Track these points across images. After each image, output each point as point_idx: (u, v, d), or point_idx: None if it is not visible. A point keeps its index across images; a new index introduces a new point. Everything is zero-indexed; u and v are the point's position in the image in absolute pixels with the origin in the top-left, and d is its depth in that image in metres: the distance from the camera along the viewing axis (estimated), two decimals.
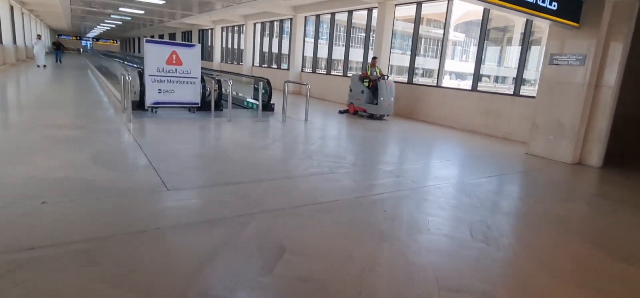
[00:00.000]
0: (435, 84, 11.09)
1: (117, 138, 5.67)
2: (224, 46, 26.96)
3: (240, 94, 11.78)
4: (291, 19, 17.28)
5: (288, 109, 10.77)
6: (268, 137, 6.83)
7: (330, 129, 8.44)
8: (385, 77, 10.55)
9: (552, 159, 6.86)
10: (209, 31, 28.63)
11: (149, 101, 8.15)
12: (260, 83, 8.32)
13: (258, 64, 21.88)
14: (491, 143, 8.25)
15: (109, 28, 42.64)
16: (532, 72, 9.61)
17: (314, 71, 16.68)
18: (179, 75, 8.44)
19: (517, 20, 11.64)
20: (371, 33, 13.40)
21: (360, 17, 14.35)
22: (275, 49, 20.23)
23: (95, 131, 6.10)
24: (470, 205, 4.04)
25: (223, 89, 9.81)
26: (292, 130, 7.73)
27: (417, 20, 11.42)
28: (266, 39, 20.87)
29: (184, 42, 8.90)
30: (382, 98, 10.17)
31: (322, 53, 16.68)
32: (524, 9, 5.41)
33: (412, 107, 11.38)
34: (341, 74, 14.99)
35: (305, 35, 17.12)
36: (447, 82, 11.46)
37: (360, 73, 11.12)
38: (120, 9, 21.22)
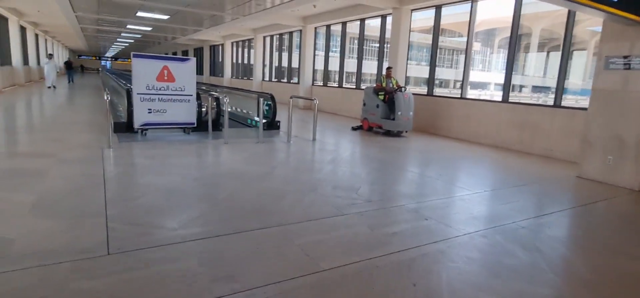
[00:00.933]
0: (458, 96, 9.93)
1: (84, 170, 4.75)
2: (234, 61, 26.38)
3: (244, 111, 10.87)
4: (301, 30, 16.44)
5: (296, 126, 9.77)
6: (267, 163, 5.81)
7: (342, 150, 7.37)
8: (403, 89, 9.46)
9: (612, 184, 5.61)
10: (220, 47, 28.15)
11: (137, 122, 7.28)
12: (261, 99, 7.35)
13: (268, 79, 21.10)
14: (530, 163, 7.03)
15: (124, 47, 42.95)
16: (567, 79, 8.36)
17: (325, 85, 15.72)
18: (172, 92, 7.56)
19: (536, 25, 10.44)
20: (385, 44, 12.37)
21: (373, 29, 13.36)
22: (285, 63, 19.41)
23: (64, 160, 5.20)
24: (532, 265, 2.90)
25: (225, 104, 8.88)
26: (296, 153, 6.70)
27: (437, 25, 10.34)
28: (276, 53, 20.10)
29: (176, 56, 7.99)
30: (399, 112, 9.07)
31: (334, 66, 15.74)
32: (586, 1, 4.29)
33: (432, 122, 10.23)
34: (354, 86, 13.97)
35: (315, 49, 16.22)
36: (472, 92, 10.27)
37: (375, 85, 10.07)
38: (129, 26, 20.86)
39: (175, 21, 17.51)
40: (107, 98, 6.51)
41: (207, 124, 8.12)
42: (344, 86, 14.77)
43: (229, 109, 12.01)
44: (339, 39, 14.85)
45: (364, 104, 10.13)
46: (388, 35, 12.10)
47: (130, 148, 6.31)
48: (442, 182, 5.30)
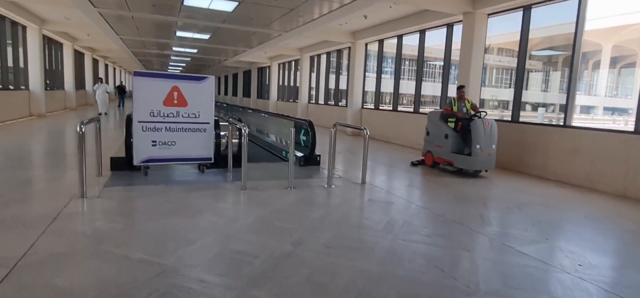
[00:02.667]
0: (559, 123, 7.45)
1: (27, 236, 3.15)
2: (280, 83, 25.27)
3: (280, 141, 9.16)
4: (349, 47, 14.67)
5: (341, 160, 7.84)
6: (290, 230, 3.86)
7: (403, 203, 5.26)
8: (481, 114, 7.20)
9: None
10: (267, 69, 27.30)
11: (138, 157, 5.76)
12: (293, 130, 5.50)
13: (314, 101, 19.51)
14: None
15: (178, 70, 44.18)
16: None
17: (376, 108, 13.69)
18: (183, 120, 5.99)
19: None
20: (450, 63, 10.16)
21: (431, 50, 11.23)
22: (332, 85, 17.70)
23: (16, 218, 3.68)
24: None
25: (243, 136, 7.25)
26: (337, 208, 4.71)
27: (525, 31, 8.00)
28: (323, 73, 18.47)
29: (190, 75, 6.43)
30: (478, 146, 6.81)
31: (386, 87, 13.73)
32: None
33: (519, 157, 7.79)
34: (411, 109, 11.79)
35: (366, 70, 14.32)
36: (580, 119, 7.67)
37: (442, 109, 7.90)
38: (174, 48, 20.46)
39: (216, 41, 16.58)
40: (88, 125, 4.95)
41: (227, 159, 6.46)
42: (398, 109, 12.65)
43: (269, 139, 10.46)
44: (391, 58, 12.84)
45: (428, 133, 7.97)
46: (454, 48, 9.92)
47: (119, 194, 4.72)
48: (591, 276, 3.03)
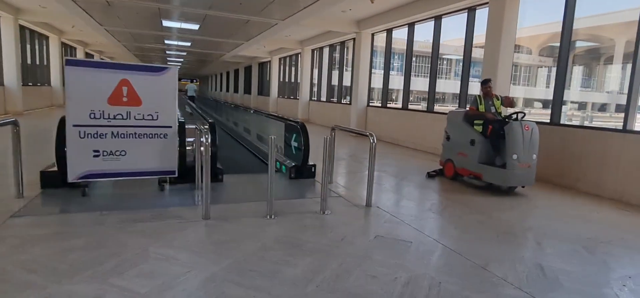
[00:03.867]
0: (616, 127, 5.99)
1: None
2: (281, 79, 23.84)
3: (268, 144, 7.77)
4: (354, 38, 13.21)
5: (341, 170, 6.49)
6: None
7: (422, 238, 3.82)
8: (518, 115, 5.72)
9: None
10: (268, 64, 25.86)
11: (74, 171, 4.39)
12: (272, 137, 4.06)
13: (316, 98, 18.07)
14: None
15: (178, 65, 42.87)
16: None
17: (384, 106, 12.22)
18: (136, 124, 4.63)
19: None
20: (471, 57, 8.68)
21: (445, 46, 9.75)
22: (335, 81, 16.25)
23: None
24: None
25: (205, 147, 5.89)
26: (331, 254, 3.28)
27: (569, 17, 6.50)
28: (325, 68, 17.01)
29: (143, 64, 5.02)
30: (515, 156, 5.36)
31: (395, 83, 12.27)
32: None
33: (562, 168, 6.32)
34: (425, 108, 10.32)
35: (372, 66, 12.86)
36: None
37: (467, 109, 6.45)
38: (166, 41, 19.11)
39: (207, 32, 15.18)
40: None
41: (194, 171, 5.06)
42: (409, 107, 11.18)
43: (256, 141, 9.03)
44: (400, 54, 11.36)
45: (448, 138, 6.53)
46: (477, 35, 8.45)
47: (16, 233, 3.34)
48: None
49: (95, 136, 4.46)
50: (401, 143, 10.61)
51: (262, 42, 17.38)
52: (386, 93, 12.26)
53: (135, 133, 4.65)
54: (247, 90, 31.28)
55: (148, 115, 4.69)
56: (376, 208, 4.56)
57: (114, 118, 4.52)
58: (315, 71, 18.15)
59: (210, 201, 3.92)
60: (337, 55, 15.98)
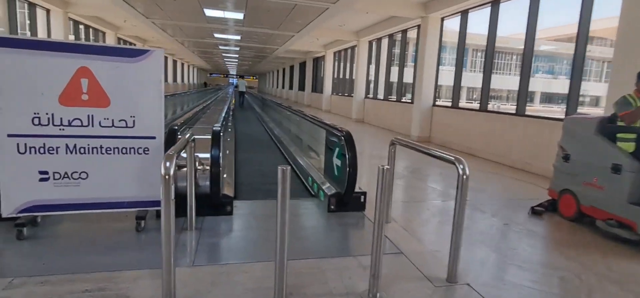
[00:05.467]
0: None
1: None
2: (335, 75, 22.17)
3: (306, 160, 6.12)
4: (419, 25, 11.11)
5: (400, 193, 4.68)
6: None
7: None
8: None
9: None
10: (322, 59, 24.34)
11: (10, 203, 3.05)
12: (284, 169, 2.36)
13: (373, 96, 16.13)
14: None
15: (235, 63, 43.04)
16: None
17: (455, 105, 9.98)
18: (102, 133, 3.19)
19: None
20: (585, 47, 6.28)
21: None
22: (394, 77, 14.19)
23: None
24: None
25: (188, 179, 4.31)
26: None
27: None
28: (384, 60, 14.98)
29: (115, 46, 3.53)
30: None
31: (469, 81, 9.99)
32: None
33: None
34: (513, 111, 7.97)
35: (440, 63, 10.68)
36: None
37: (609, 115, 4.21)
38: (216, 35, 18.30)
39: (253, 21, 13.90)
40: None
41: (186, 202, 3.50)
42: (488, 108, 8.88)
43: (291, 148, 7.39)
44: (475, 49, 9.06)
45: (566, 158, 4.36)
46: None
47: None
48: None
49: (42, 151, 3.08)
50: (476, 153, 8.39)
51: (314, 34, 15.80)
52: (458, 90, 10.02)
53: (101, 147, 3.21)
54: (301, 87, 30.08)
55: (120, 121, 3.22)
56: (467, 289, 2.67)
57: (70, 125, 3.11)
58: (372, 67, 16.21)
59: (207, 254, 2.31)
60: (397, 48, 13.90)
